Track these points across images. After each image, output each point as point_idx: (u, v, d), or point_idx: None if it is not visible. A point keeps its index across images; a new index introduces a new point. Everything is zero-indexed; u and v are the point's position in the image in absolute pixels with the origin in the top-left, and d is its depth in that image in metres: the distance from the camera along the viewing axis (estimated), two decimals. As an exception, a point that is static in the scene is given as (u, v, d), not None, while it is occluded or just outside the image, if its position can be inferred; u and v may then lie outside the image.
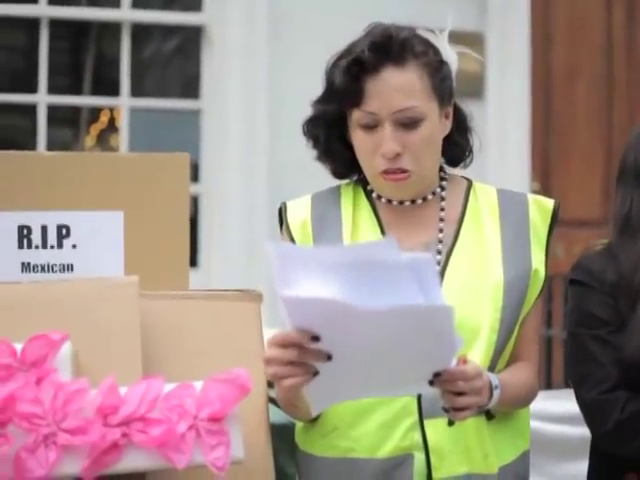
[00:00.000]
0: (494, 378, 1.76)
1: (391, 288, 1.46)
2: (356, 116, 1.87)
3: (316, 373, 1.55)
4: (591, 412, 2.01)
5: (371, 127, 1.86)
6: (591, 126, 5.84)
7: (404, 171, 1.86)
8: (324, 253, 1.51)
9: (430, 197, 1.94)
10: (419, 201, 1.93)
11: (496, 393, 1.75)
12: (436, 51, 1.90)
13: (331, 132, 1.93)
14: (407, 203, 1.93)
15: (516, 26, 5.69)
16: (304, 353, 1.54)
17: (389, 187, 1.90)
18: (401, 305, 1.46)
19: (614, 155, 5.83)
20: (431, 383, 1.59)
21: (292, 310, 1.51)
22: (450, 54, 1.92)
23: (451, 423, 1.73)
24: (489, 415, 1.85)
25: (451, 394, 1.62)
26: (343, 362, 1.53)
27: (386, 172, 1.87)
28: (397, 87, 1.85)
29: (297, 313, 1.51)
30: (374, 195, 1.95)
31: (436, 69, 1.88)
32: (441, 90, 1.89)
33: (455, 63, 1.93)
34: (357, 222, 1.92)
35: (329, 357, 1.53)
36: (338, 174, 1.99)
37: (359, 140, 1.89)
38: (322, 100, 1.92)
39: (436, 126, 1.88)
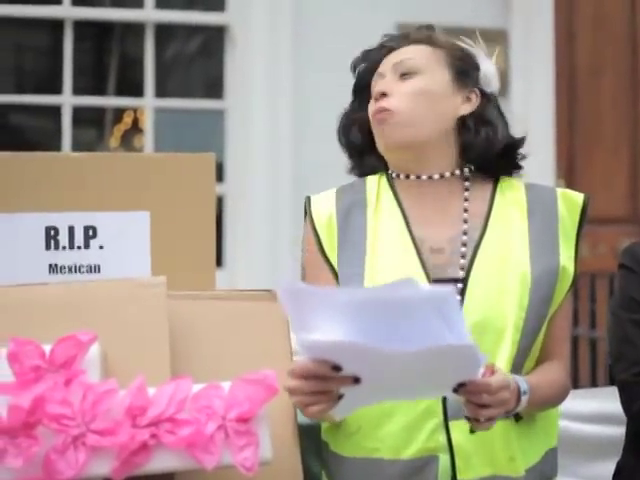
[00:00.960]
0: (522, 382, 1.74)
1: (414, 325, 1.42)
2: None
3: (341, 396, 1.53)
4: (622, 392, 2.06)
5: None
6: (616, 123, 5.81)
7: (385, 109, 1.90)
8: (339, 294, 1.49)
9: (448, 175, 1.93)
10: (436, 176, 1.92)
11: (524, 399, 1.73)
12: (462, 48, 1.95)
13: (363, 131, 1.98)
14: (424, 177, 1.92)
15: (540, 23, 5.67)
16: (326, 382, 1.52)
17: (379, 133, 1.92)
18: (425, 347, 1.43)
19: (640, 152, 5.81)
20: (455, 391, 1.57)
21: (312, 353, 1.49)
22: (489, 68, 1.96)
23: (472, 431, 1.72)
24: (517, 416, 1.84)
25: (474, 405, 1.60)
26: (367, 385, 1.51)
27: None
28: (406, 52, 1.93)
29: (317, 355, 1.49)
30: (392, 173, 1.96)
31: (455, 50, 1.95)
32: (458, 67, 1.93)
33: (495, 78, 1.97)
34: (379, 203, 1.93)
35: (356, 380, 1.50)
36: (360, 171, 2.02)
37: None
38: (352, 102, 2.01)
39: (437, 86, 1.91)
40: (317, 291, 1.49)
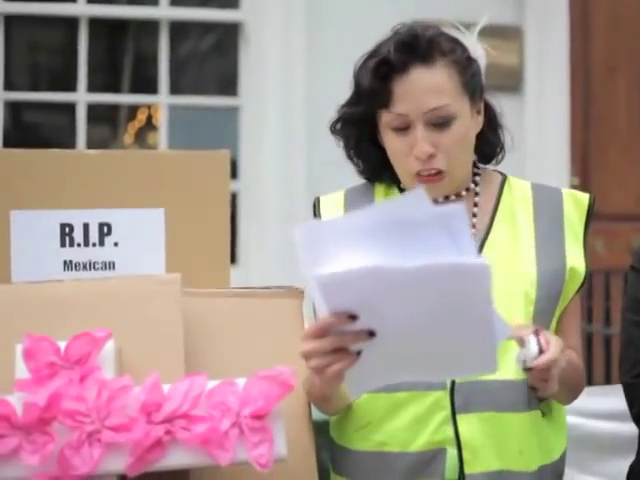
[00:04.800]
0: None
1: (423, 244, 1.40)
2: (386, 118, 1.86)
3: (359, 352, 1.48)
4: (625, 394, 2.06)
5: (402, 129, 1.85)
6: (631, 120, 5.80)
7: (439, 172, 1.85)
8: (350, 220, 1.45)
9: (464, 193, 1.93)
10: (452, 197, 1.92)
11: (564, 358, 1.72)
12: (464, 48, 1.88)
13: (362, 133, 1.92)
14: (440, 200, 1.91)
15: (555, 19, 5.66)
16: (343, 337, 1.47)
17: (423, 188, 1.87)
18: (436, 262, 1.39)
19: (655, 149, 5.79)
20: (528, 369, 1.60)
21: (326, 290, 1.43)
22: (478, 50, 1.91)
23: (541, 399, 1.72)
24: (543, 412, 1.85)
25: (544, 380, 1.63)
26: (383, 340, 1.47)
27: (420, 174, 1.85)
28: (427, 87, 1.83)
29: (332, 292, 1.43)
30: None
31: (465, 66, 1.86)
32: (471, 86, 1.87)
33: (484, 58, 1.91)
34: None
35: (371, 333, 1.46)
36: (367, 175, 1.98)
37: (391, 143, 1.87)
38: (350, 103, 1.92)
39: (468, 124, 1.87)
40: (328, 223, 1.47)
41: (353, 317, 1.45)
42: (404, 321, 1.46)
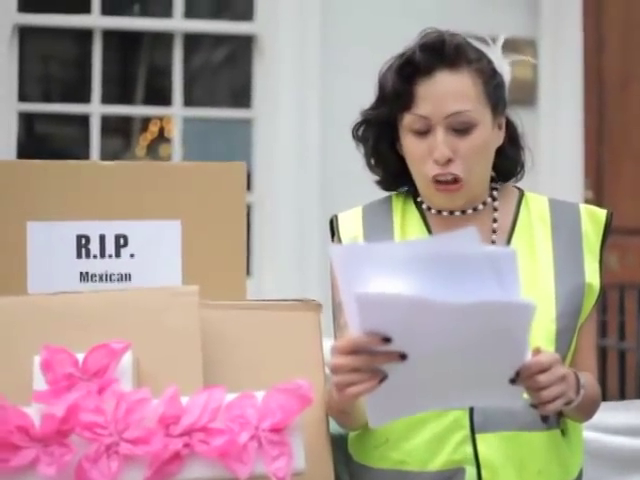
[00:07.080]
0: (579, 374, 1.73)
1: (468, 282, 1.40)
2: (407, 120, 1.85)
3: (384, 378, 1.48)
4: None
5: (423, 132, 1.84)
6: (645, 134, 5.79)
7: (456, 179, 1.83)
8: (396, 248, 1.46)
9: (481, 207, 1.91)
10: (469, 211, 1.91)
11: (582, 391, 1.71)
12: (489, 60, 1.88)
13: (383, 137, 1.91)
14: (457, 213, 1.90)
15: (568, 32, 5.65)
16: (374, 357, 1.48)
17: (440, 196, 1.87)
18: (483, 300, 1.40)
19: (669, 163, 5.77)
20: (513, 381, 1.53)
21: (365, 310, 1.43)
22: (503, 64, 1.91)
23: (545, 418, 1.67)
24: (553, 426, 1.83)
25: (535, 390, 1.57)
26: (412, 365, 1.47)
27: (438, 181, 1.84)
28: (450, 91, 1.82)
29: (370, 313, 1.43)
30: (424, 206, 1.93)
31: (489, 77, 1.86)
32: (495, 98, 1.87)
33: (508, 74, 1.91)
34: (405, 231, 1.91)
35: (403, 356, 1.46)
36: (386, 185, 1.97)
37: (410, 145, 1.86)
38: (374, 106, 1.91)
39: (489, 134, 1.86)
40: (373, 248, 1.47)
41: (387, 340, 1.45)
42: (437, 349, 1.46)
